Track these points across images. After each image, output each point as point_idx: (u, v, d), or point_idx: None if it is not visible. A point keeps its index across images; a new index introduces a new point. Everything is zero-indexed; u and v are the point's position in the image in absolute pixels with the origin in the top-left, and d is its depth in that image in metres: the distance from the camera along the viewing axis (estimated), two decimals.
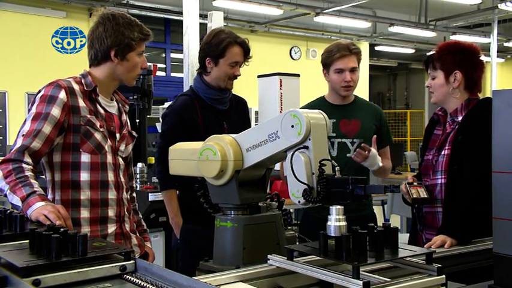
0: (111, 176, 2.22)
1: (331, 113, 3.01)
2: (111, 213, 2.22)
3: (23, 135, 2.04)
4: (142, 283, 1.33)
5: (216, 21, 5.94)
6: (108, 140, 2.23)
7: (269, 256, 1.60)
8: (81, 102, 2.16)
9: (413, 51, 15.32)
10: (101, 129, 2.19)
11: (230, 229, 1.78)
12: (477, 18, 12.94)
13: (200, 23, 5.67)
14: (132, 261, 1.44)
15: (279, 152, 1.70)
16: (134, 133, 2.42)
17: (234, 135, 1.81)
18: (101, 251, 1.46)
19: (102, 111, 2.23)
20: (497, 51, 14.18)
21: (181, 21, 5.80)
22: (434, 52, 2.46)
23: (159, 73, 11.45)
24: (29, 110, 2.13)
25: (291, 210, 5.14)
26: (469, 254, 2.00)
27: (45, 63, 9.50)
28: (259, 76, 6.46)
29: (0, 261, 1.40)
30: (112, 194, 2.22)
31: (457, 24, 13.18)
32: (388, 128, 3.19)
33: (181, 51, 5.95)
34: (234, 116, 3.02)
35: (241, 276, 1.54)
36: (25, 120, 2.10)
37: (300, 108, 3.00)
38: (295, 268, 1.51)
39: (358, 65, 3.01)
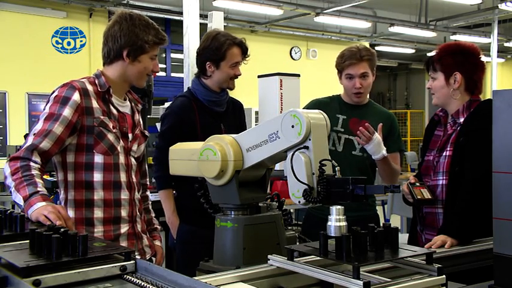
0: (123, 177, 2.23)
1: (343, 109, 3.03)
2: (123, 213, 2.23)
3: (34, 134, 2.06)
4: (142, 283, 1.33)
5: (216, 21, 5.94)
6: (121, 140, 2.24)
7: (269, 256, 1.60)
8: (95, 103, 2.17)
9: (413, 51, 15.32)
10: (114, 130, 2.20)
11: (230, 229, 1.78)
12: (477, 18, 12.96)
13: (200, 23, 5.68)
14: (132, 262, 1.44)
15: (279, 152, 1.70)
16: (147, 133, 2.43)
17: (234, 135, 1.81)
18: (101, 251, 1.46)
19: (115, 111, 2.24)
20: (498, 51, 14.21)
21: (181, 21, 5.81)
22: (434, 54, 2.46)
23: (159, 73, 11.45)
24: (43, 110, 2.15)
25: (291, 211, 5.14)
26: (469, 254, 2.00)
27: (45, 63, 9.52)
28: (259, 76, 6.47)
29: (1, 261, 1.40)
30: (124, 195, 2.24)
31: (457, 25, 13.19)
32: (399, 135, 3.15)
33: (181, 51, 5.96)
34: (231, 118, 3.03)
35: (241, 277, 1.54)
36: (38, 120, 2.12)
37: (312, 102, 3.04)
38: (295, 268, 1.50)
39: (372, 70, 2.98)
